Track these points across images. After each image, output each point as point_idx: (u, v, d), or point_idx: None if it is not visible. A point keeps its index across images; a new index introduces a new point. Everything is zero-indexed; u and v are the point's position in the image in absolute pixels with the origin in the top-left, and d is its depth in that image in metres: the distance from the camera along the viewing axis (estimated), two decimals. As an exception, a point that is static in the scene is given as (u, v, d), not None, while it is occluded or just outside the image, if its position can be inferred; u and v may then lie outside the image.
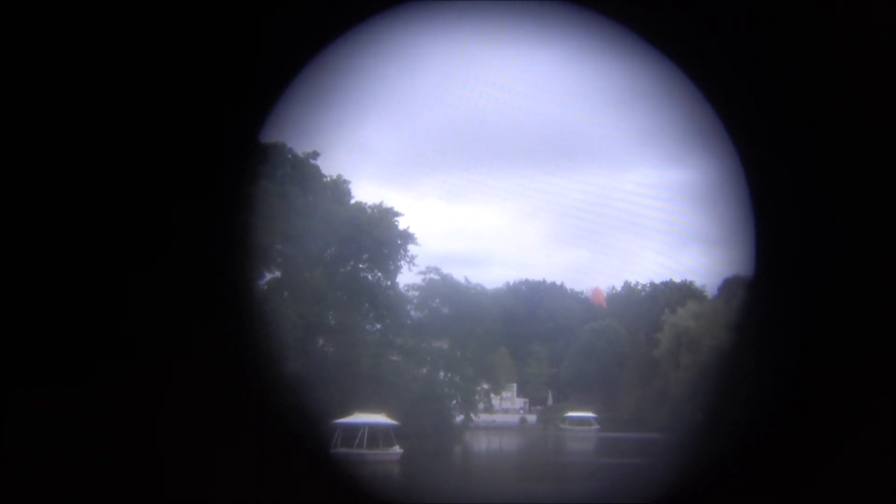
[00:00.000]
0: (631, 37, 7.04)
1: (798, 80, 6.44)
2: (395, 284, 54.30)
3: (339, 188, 51.49)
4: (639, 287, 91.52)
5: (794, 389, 6.72)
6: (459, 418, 58.78)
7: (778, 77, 6.53)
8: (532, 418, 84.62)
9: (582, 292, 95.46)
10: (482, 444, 67.06)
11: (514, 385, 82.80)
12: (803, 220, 6.68)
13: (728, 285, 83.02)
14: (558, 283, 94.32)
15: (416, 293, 58.46)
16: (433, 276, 58.88)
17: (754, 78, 6.65)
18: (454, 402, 58.26)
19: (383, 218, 52.32)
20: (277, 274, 45.86)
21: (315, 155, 48.58)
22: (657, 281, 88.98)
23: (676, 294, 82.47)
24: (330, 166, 50.89)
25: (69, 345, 6.42)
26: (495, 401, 75.32)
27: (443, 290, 58.78)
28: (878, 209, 6.21)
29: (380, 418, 46.55)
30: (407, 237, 53.28)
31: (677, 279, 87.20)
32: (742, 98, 6.86)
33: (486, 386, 63.78)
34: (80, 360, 6.45)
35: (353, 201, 52.44)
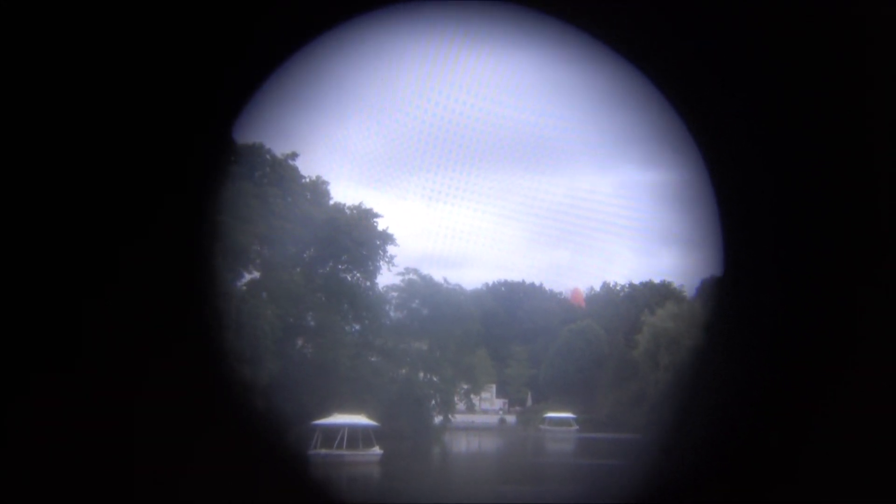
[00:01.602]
0: (601, 44, 7.10)
1: (766, 82, 6.48)
2: (374, 285, 54.31)
3: (318, 189, 51.41)
4: (617, 288, 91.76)
5: (764, 388, 6.77)
6: (438, 419, 58.78)
7: (743, 80, 6.58)
8: (511, 419, 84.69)
9: (561, 293, 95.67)
10: (462, 444, 67.06)
11: (494, 386, 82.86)
12: (770, 220, 6.72)
13: (706, 286, 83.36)
14: (537, 283, 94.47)
15: (396, 294, 58.43)
16: (412, 276, 58.88)
17: (718, 82, 6.70)
18: (433, 402, 58.24)
19: (362, 219, 52.28)
20: (256, 275, 45.74)
21: (294, 156, 48.52)
22: (636, 282, 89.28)
23: (655, 295, 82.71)
24: (309, 167, 50.90)
25: (42, 346, 6.38)
26: (474, 401, 75.35)
27: (422, 290, 58.76)
28: (847, 209, 6.26)
29: (359, 419, 46.49)
30: (386, 238, 53.27)
31: (656, 280, 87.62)
32: (705, 103, 6.91)
33: (465, 387, 63.80)
34: (52, 361, 6.42)
35: (332, 202, 52.39)
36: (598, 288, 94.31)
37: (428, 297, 58.70)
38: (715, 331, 8.25)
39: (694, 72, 6.78)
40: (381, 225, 53.07)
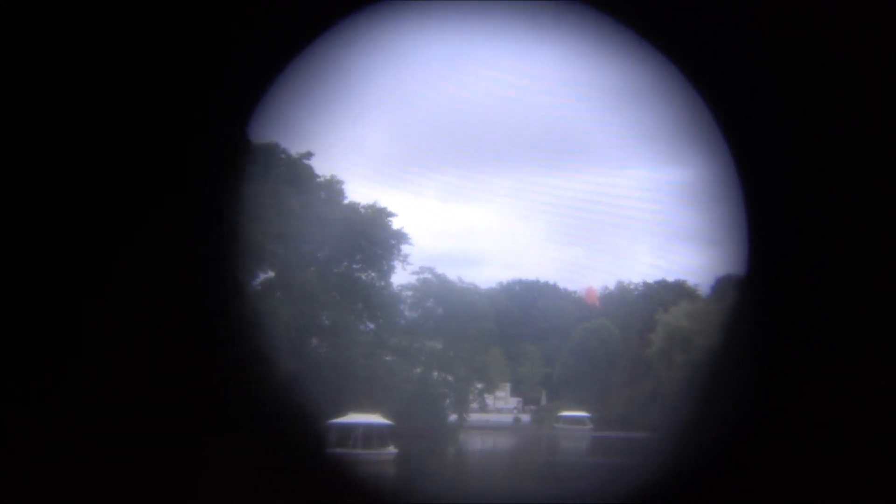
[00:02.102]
0: (627, 35, 7.02)
1: (793, 80, 6.44)
2: (388, 284, 54.25)
3: (332, 188, 51.42)
4: (632, 286, 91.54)
5: (783, 388, 6.73)
6: (453, 418, 58.75)
7: (773, 77, 6.54)
8: (526, 418, 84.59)
9: (575, 292, 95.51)
10: (476, 443, 67.02)
11: (508, 385, 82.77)
12: (796, 220, 6.68)
13: (721, 285, 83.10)
14: (552, 282, 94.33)
15: (410, 293, 58.39)
16: (427, 275, 58.84)
17: (749, 78, 6.65)
18: (447, 401, 58.21)
19: (377, 218, 52.27)
20: (271, 274, 45.79)
21: (309, 155, 48.54)
22: (650, 280, 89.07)
23: (669, 293, 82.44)
24: (324, 166, 50.83)
25: (55, 344, 6.37)
26: (489, 400, 75.27)
27: (437, 290, 58.72)
28: (871, 209, 6.22)
29: (374, 418, 46.51)
30: (401, 237, 53.25)
31: (670, 278, 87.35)
32: (736, 98, 6.87)
33: (479, 386, 63.74)
34: (67, 360, 6.41)
35: (346, 201, 52.36)
36: (612, 287, 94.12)
37: (442, 296, 58.66)
38: (734, 330, 8.21)
39: (730, 68, 6.73)
40: (395, 224, 53.06)
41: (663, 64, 6.87)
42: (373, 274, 52.83)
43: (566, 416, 79.85)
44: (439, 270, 59.80)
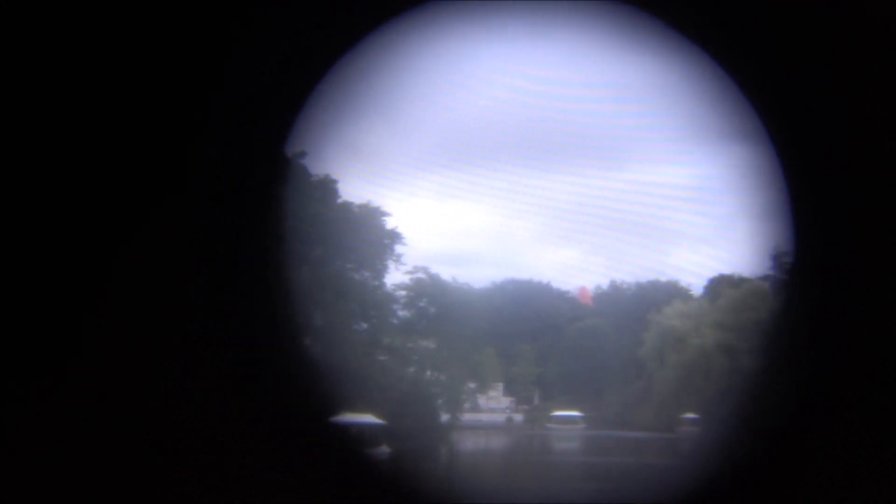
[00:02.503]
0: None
1: (841, 67, 6.34)
2: (382, 284, 54.29)
3: (326, 187, 51.39)
4: (625, 286, 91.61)
5: (832, 388, 6.64)
6: (446, 418, 58.76)
7: (810, 64, 6.44)
8: (519, 417, 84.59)
9: (568, 292, 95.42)
10: (469, 443, 67.05)
11: (501, 384, 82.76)
12: (843, 216, 6.57)
13: (713, 284, 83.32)
14: (545, 282, 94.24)
15: (404, 293, 58.41)
16: (421, 275, 58.83)
17: (788, 70, 6.56)
18: (440, 401, 58.23)
19: (371, 217, 52.28)
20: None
21: (302, 154, 48.45)
22: (643, 280, 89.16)
23: (662, 293, 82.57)
24: (317, 166, 50.78)
25: (64, 338, 6.37)
26: (482, 400, 75.28)
27: (430, 289, 58.73)
28: None
29: (367, 418, 46.50)
30: (395, 237, 53.27)
31: (663, 279, 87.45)
32: (779, 90, 6.76)
33: (472, 385, 63.75)
34: (72, 357, 6.41)
35: (340, 201, 52.35)
36: (605, 286, 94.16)
37: (436, 295, 58.67)
38: (781, 328, 8.11)
39: (767, 57, 6.65)
40: (389, 224, 53.07)
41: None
42: (366, 273, 52.83)
43: (559, 416, 79.87)
44: (433, 270, 59.85)
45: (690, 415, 73.78)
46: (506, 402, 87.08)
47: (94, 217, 6.44)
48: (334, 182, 51.96)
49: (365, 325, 53.29)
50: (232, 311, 7.20)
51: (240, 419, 6.86)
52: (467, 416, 66.07)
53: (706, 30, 6.82)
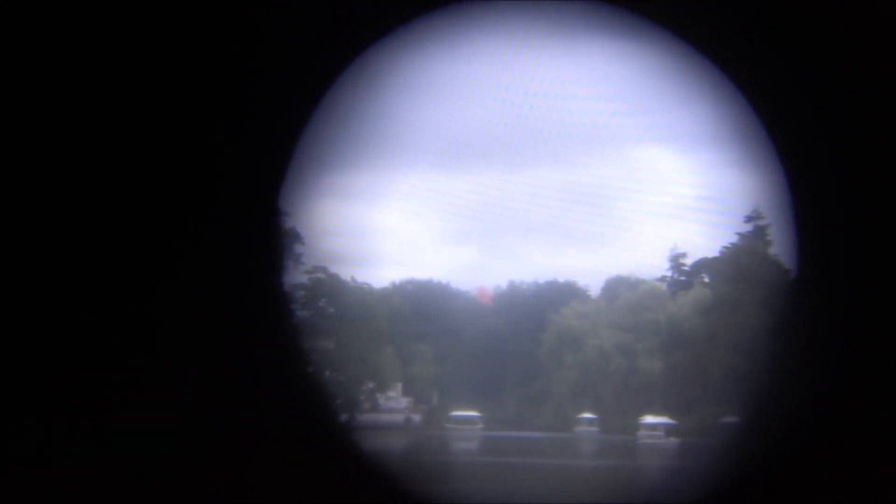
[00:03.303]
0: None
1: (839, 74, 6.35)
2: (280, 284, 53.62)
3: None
4: (524, 286, 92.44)
5: (839, 392, 6.65)
6: (343, 418, 58.48)
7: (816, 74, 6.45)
8: (417, 418, 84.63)
9: (468, 292, 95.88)
10: (366, 444, 66.74)
11: (400, 385, 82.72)
12: (848, 221, 6.60)
13: (610, 285, 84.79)
14: (445, 282, 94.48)
15: (302, 292, 57.89)
16: (320, 275, 58.39)
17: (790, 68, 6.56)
18: (338, 402, 57.94)
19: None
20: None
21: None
22: (541, 280, 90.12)
23: (560, 294, 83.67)
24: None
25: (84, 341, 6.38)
26: (381, 400, 75.17)
27: (329, 289, 58.38)
28: None
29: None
30: (293, 236, 52.70)
31: (561, 279, 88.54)
32: (783, 98, 6.77)
33: (371, 385, 63.60)
34: (95, 358, 6.43)
35: (237, 199, 51.58)
36: (504, 286, 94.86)
37: (334, 295, 58.35)
38: (787, 332, 8.15)
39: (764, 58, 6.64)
40: (287, 223, 52.42)
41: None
42: (264, 273, 52.16)
43: (457, 416, 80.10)
44: (332, 270, 59.48)
45: (587, 414, 74.94)
46: (404, 402, 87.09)
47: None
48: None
49: (262, 326, 52.64)
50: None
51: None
52: (366, 417, 65.87)
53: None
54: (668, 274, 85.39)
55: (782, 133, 6.85)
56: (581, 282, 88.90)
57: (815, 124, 6.62)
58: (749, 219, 78.49)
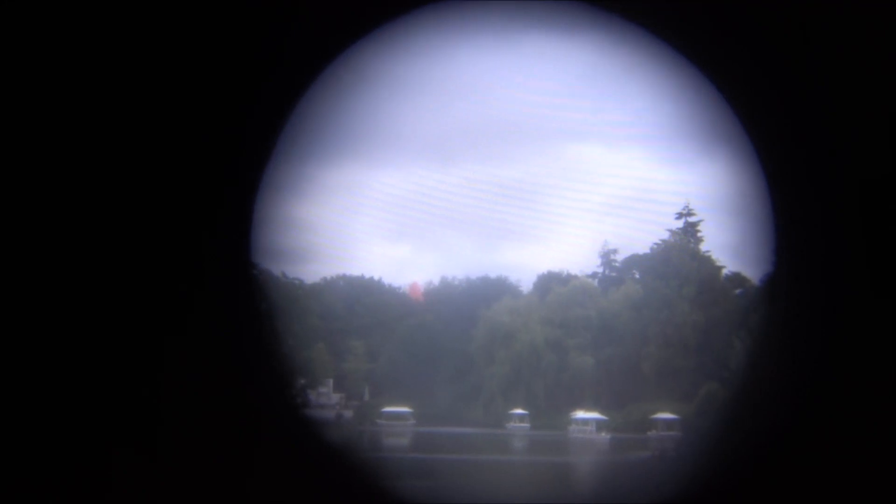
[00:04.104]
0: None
1: (817, 80, 6.28)
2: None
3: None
4: (455, 282, 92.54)
5: (815, 394, 6.57)
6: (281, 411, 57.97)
7: (789, 73, 6.38)
8: (348, 413, 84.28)
9: (400, 287, 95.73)
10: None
11: (331, 380, 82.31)
12: (824, 225, 6.53)
13: (542, 281, 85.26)
14: (376, 278, 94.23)
15: (232, 288, 57.32)
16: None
17: (768, 76, 6.47)
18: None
19: (199, 211, 51.04)
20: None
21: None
22: (473, 276, 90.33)
23: (492, 289, 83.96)
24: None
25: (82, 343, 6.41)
26: (311, 396, 74.65)
27: (259, 285, 57.78)
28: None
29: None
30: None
31: (493, 275, 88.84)
32: (761, 98, 6.67)
33: (302, 381, 63.12)
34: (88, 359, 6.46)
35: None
36: (436, 282, 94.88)
37: (265, 291, 57.75)
38: (764, 335, 8.09)
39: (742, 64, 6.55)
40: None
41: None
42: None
43: (389, 412, 79.94)
44: (262, 265, 58.80)
45: (519, 410, 75.25)
46: (336, 398, 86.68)
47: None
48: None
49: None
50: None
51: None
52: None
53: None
54: (600, 270, 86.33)
55: (758, 129, 6.77)
56: (513, 277, 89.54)
57: (790, 120, 6.55)
58: (680, 215, 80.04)
